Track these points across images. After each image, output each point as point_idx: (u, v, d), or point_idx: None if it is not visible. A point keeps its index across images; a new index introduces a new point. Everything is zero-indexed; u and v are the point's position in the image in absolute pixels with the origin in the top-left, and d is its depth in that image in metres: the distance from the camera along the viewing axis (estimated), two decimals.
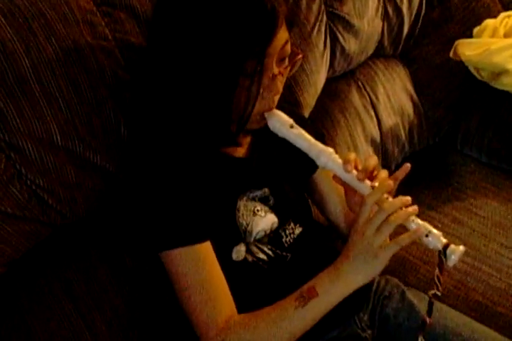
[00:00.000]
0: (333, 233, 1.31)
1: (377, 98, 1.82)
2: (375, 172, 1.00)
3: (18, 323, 1.05)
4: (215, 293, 1.01)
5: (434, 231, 0.96)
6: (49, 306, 1.07)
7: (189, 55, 0.95)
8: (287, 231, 1.14)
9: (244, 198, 1.09)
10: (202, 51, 0.93)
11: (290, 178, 1.21)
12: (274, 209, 1.12)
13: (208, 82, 0.95)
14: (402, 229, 0.96)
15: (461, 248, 0.95)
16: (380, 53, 1.87)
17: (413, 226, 0.96)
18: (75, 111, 1.04)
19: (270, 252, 1.11)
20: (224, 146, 1.11)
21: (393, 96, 1.87)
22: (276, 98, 1.04)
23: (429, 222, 0.97)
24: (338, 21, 1.62)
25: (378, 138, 1.81)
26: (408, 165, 1.02)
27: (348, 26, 1.64)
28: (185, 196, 1.02)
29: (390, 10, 1.79)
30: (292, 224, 1.16)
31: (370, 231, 0.94)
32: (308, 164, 1.09)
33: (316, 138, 1.05)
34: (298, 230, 1.16)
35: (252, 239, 1.09)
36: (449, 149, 2.05)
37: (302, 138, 1.03)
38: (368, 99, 1.80)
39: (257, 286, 1.10)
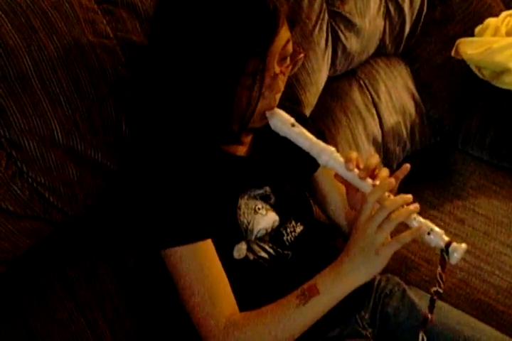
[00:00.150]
0: (334, 231, 1.31)
1: (378, 97, 1.82)
2: (377, 171, 1.00)
3: (19, 322, 1.05)
4: (217, 291, 1.01)
5: (436, 229, 0.96)
6: (50, 304, 1.07)
7: (190, 53, 0.95)
8: (288, 230, 1.14)
9: (246, 196, 1.09)
10: (203, 50, 0.93)
11: (291, 177, 1.21)
12: (275, 208, 1.12)
13: (209, 80, 0.95)
14: (403, 227, 0.96)
15: (464, 246, 0.95)
16: (381, 52, 1.87)
17: (415, 224, 0.96)
18: (76, 109, 1.04)
19: (271, 250, 1.11)
20: (225, 145, 1.11)
21: (395, 95, 1.87)
22: (278, 97, 1.04)
23: (431, 221, 0.97)
24: (339, 20, 1.62)
25: (380, 137, 1.81)
26: (408, 165, 1.02)
27: (350, 25, 1.64)
28: (187, 194, 1.02)
29: (391, 9, 1.79)
30: (293, 223, 1.16)
31: (371, 229, 0.94)
32: (309, 163, 1.09)
33: (318, 136, 1.05)
34: (299, 228, 1.16)
35: (253, 238, 1.09)
36: (451, 148, 2.05)
37: (303, 137, 1.03)
38: (369, 97, 1.80)
39: (258, 284, 1.10)
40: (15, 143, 1.00)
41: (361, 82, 1.79)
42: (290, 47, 1.01)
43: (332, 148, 1.01)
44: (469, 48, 1.85)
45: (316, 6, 1.53)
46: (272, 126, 1.04)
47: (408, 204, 0.96)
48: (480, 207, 1.76)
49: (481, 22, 1.93)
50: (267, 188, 1.13)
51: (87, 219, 1.13)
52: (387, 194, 0.96)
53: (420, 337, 1.02)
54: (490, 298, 1.44)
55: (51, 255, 1.10)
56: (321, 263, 1.03)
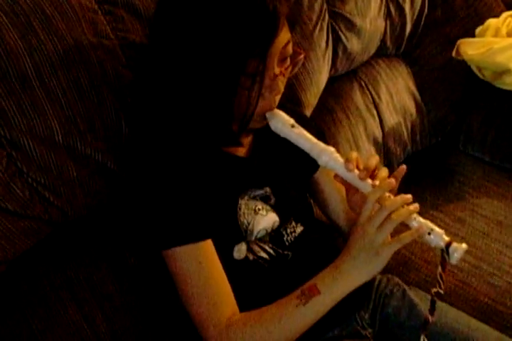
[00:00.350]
0: (334, 232, 1.31)
1: (379, 97, 1.82)
2: (376, 172, 1.00)
3: (20, 321, 1.05)
4: (217, 291, 1.01)
5: (437, 229, 0.96)
6: (50, 304, 1.07)
7: (190, 54, 0.95)
8: (288, 230, 1.14)
9: (246, 197, 1.09)
10: (203, 50, 0.93)
11: (291, 177, 1.21)
12: (275, 208, 1.13)
13: (209, 81, 0.95)
14: (403, 227, 0.96)
15: (464, 246, 0.95)
16: (382, 52, 1.87)
17: (415, 224, 0.96)
18: (76, 109, 1.04)
19: (271, 251, 1.11)
20: (226, 146, 1.11)
21: (395, 96, 1.87)
22: (278, 98, 1.04)
23: (432, 221, 0.97)
24: (340, 20, 1.62)
25: (380, 138, 1.81)
26: (404, 166, 1.03)
27: (350, 25, 1.64)
28: (187, 194, 1.02)
29: (392, 9, 1.79)
30: (293, 223, 1.16)
31: (371, 229, 0.94)
32: (309, 163, 1.09)
33: (318, 137, 1.05)
34: (299, 229, 1.17)
35: (254, 238, 1.09)
36: (452, 148, 2.05)
37: (303, 138, 1.03)
38: (370, 98, 1.80)
39: (258, 285, 1.10)
40: (15, 143, 1.00)
41: (362, 83, 1.79)
42: (290, 48, 1.01)
43: (332, 149, 1.01)
44: (470, 49, 1.85)
45: (317, 6, 1.53)
46: (272, 127, 1.04)
47: (408, 204, 0.96)
48: (480, 207, 1.76)
49: (482, 22, 1.93)
50: (267, 189, 1.13)
51: (87, 219, 1.13)
52: (387, 194, 0.96)
53: (422, 340, 1.02)
54: (489, 298, 1.44)
55: (51, 255, 1.10)
56: (321, 263, 1.03)
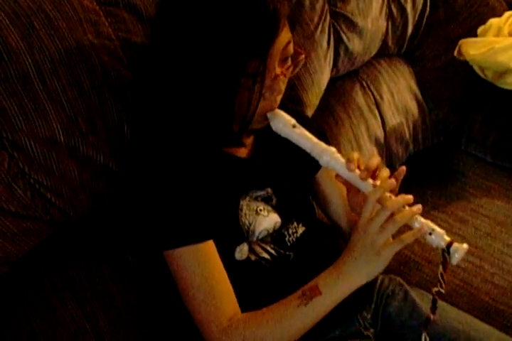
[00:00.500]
0: (336, 232, 1.31)
1: (381, 97, 1.82)
2: (378, 172, 1.00)
3: (21, 322, 1.05)
4: (218, 292, 1.01)
5: (438, 229, 0.96)
6: (52, 305, 1.07)
7: (191, 54, 0.95)
8: (290, 231, 1.14)
9: (247, 198, 1.09)
10: (204, 51, 0.93)
11: (293, 178, 1.21)
12: (276, 209, 1.13)
13: (210, 81, 0.95)
14: (404, 227, 0.96)
15: (465, 246, 0.95)
16: (384, 53, 1.87)
17: (416, 224, 0.96)
18: (78, 110, 1.04)
19: (273, 251, 1.11)
20: (227, 146, 1.11)
21: (397, 96, 1.87)
22: (279, 98, 1.04)
23: (433, 221, 0.98)
24: (341, 21, 1.62)
25: (382, 138, 1.81)
26: (404, 167, 1.03)
27: (352, 26, 1.64)
28: (188, 195, 1.02)
29: (394, 9, 1.79)
30: (295, 224, 1.16)
31: (372, 229, 0.94)
32: (310, 164, 1.09)
33: (319, 137, 1.05)
34: (301, 229, 1.16)
35: (255, 239, 1.09)
36: (453, 148, 2.05)
37: (304, 138, 1.03)
38: (372, 98, 1.80)
39: (259, 285, 1.10)
40: (17, 144, 1.00)
41: (364, 83, 1.79)
42: (291, 49, 1.01)
43: (333, 149, 1.02)
44: (472, 49, 1.85)
45: (318, 6, 1.53)
46: (273, 128, 1.04)
47: (410, 205, 0.96)
48: (482, 207, 1.76)
49: (484, 22, 1.93)
50: (269, 190, 1.13)
51: (88, 219, 1.13)
52: (388, 194, 0.96)
53: (423, 338, 1.02)
54: (491, 298, 1.44)
55: (53, 255, 1.10)
56: (323, 264, 1.03)
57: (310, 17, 1.51)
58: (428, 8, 1.93)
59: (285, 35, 0.97)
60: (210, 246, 1.02)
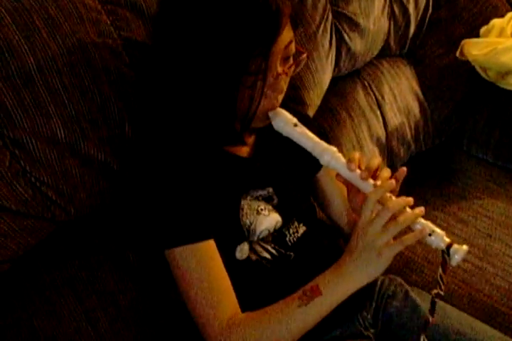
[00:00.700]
0: (337, 232, 1.31)
1: (383, 97, 1.82)
2: (378, 172, 1.00)
3: (22, 320, 1.05)
4: (219, 291, 1.01)
5: (438, 230, 0.96)
6: (52, 303, 1.07)
7: (193, 53, 0.95)
8: (291, 230, 1.14)
9: (248, 197, 1.09)
10: (206, 49, 0.93)
11: (294, 177, 1.21)
12: (277, 209, 1.13)
13: (212, 80, 0.95)
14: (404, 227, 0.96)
15: (465, 247, 0.95)
16: (386, 53, 1.87)
17: (417, 226, 0.96)
18: (79, 108, 1.04)
19: (274, 251, 1.11)
20: (229, 145, 1.11)
21: (399, 96, 1.87)
22: (280, 97, 1.04)
23: (435, 222, 0.97)
24: (343, 20, 1.62)
25: (384, 138, 1.81)
26: (404, 168, 1.03)
27: (354, 25, 1.64)
28: (190, 194, 1.02)
29: (396, 9, 1.79)
30: (296, 223, 1.16)
31: (373, 230, 0.94)
32: (312, 163, 1.09)
33: (320, 137, 1.05)
34: (302, 229, 1.17)
35: (256, 238, 1.09)
36: (455, 149, 2.05)
37: (306, 137, 1.03)
38: (373, 98, 1.80)
39: (260, 285, 1.10)
40: (18, 142, 1.00)
41: (365, 83, 1.79)
42: (293, 48, 1.01)
43: (334, 149, 1.01)
44: (474, 49, 1.84)
45: (320, 6, 1.53)
46: (275, 126, 1.04)
47: (411, 207, 0.95)
48: (484, 208, 1.76)
49: (487, 23, 1.93)
50: (270, 189, 1.13)
51: (89, 218, 1.14)
52: (388, 195, 0.96)
53: (422, 340, 1.02)
54: (492, 300, 1.44)
55: (53, 253, 1.10)
56: (324, 264, 1.03)
57: (312, 17, 1.51)
58: (430, 8, 1.93)
59: (287, 34, 0.97)
60: (210, 245, 1.02)
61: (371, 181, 0.98)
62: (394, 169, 1.02)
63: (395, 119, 1.84)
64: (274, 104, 1.03)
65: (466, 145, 2.04)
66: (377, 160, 1.00)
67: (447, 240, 0.95)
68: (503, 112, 1.97)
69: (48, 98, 1.01)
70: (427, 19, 1.93)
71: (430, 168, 1.96)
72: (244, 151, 1.15)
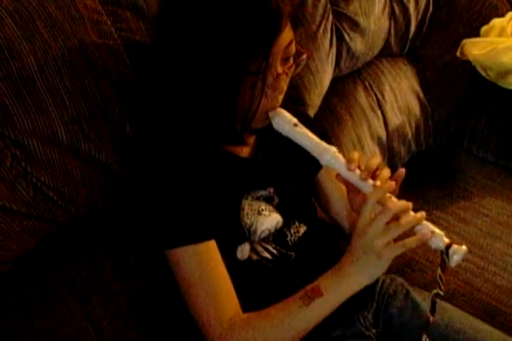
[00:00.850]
0: (337, 232, 1.31)
1: (383, 97, 1.82)
2: (378, 172, 1.00)
3: (23, 320, 1.05)
4: (220, 291, 1.02)
5: (437, 231, 0.95)
6: (54, 303, 1.08)
7: (194, 53, 0.95)
8: (292, 230, 1.14)
9: (249, 197, 1.10)
10: (206, 50, 0.93)
11: (295, 178, 1.21)
12: (278, 209, 1.13)
13: (212, 80, 0.95)
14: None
15: (464, 248, 0.94)
16: (386, 52, 1.86)
17: (418, 227, 0.95)
18: (81, 110, 1.04)
19: (275, 251, 1.11)
20: (229, 145, 1.11)
21: (400, 96, 1.87)
22: (281, 97, 1.04)
23: (435, 221, 0.98)
24: (344, 20, 1.62)
25: (384, 138, 1.81)
26: (403, 169, 1.02)
27: (354, 25, 1.64)
28: (191, 195, 1.02)
29: (396, 9, 1.79)
30: (297, 223, 1.16)
31: (373, 231, 0.93)
32: (312, 163, 1.09)
33: (321, 137, 1.05)
34: (302, 229, 1.17)
35: (257, 238, 1.09)
36: (456, 148, 2.05)
37: (306, 137, 1.03)
38: (374, 98, 1.80)
39: (261, 285, 1.10)
40: (19, 143, 1.00)
41: (366, 83, 1.79)
42: (293, 48, 1.01)
43: (334, 149, 1.01)
44: (475, 49, 1.84)
45: (320, 6, 1.53)
46: (275, 126, 1.04)
47: (413, 209, 0.95)
48: (484, 207, 1.76)
49: (487, 22, 1.92)
50: (271, 189, 1.13)
51: (90, 218, 1.14)
52: (388, 195, 0.96)
53: (423, 340, 1.02)
54: (493, 299, 1.44)
55: (54, 254, 1.10)
56: (325, 263, 1.03)
57: (312, 17, 1.51)
58: (431, 8, 1.92)
59: (287, 35, 0.97)
60: (211, 245, 1.02)
61: (370, 181, 0.98)
62: (394, 168, 1.01)
63: (395, 119, 1.84)
64: (275, 104, 1.03)
65: (466, 144, 2.04)
66: (376, 160, 1.00)
67: (446, 240, 0.95)
68: (503, 112, 1.97)
69: (49, 99, 1.02)
70: (428, 19, 1.93)
71: (431, 168, 1.96)
72: (244, 151, 1.15)
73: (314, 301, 0.98)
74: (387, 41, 1.81)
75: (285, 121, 1.03)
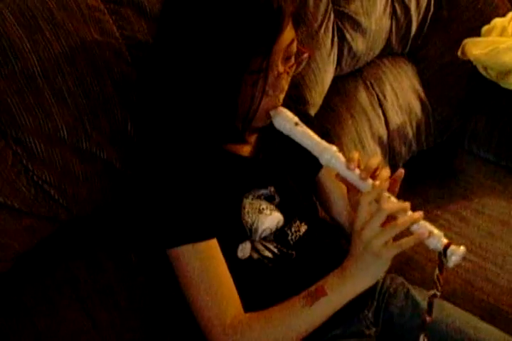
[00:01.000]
0: (338, 231, 1.31)
1: (384, 97, 1.82)
2: (378, 172, 1.00)
3: (24, 320, 1.05)
4: (222, 290, 1.02)
5: (435, 231, 0.95)
6: (55, 303, 1.08)
7: (195, 52, 0.95)
8: (293, 229, 1.15)
9: (250, 196, 1.10)
10: (208, 48, 0.94)
11: (296, 177, 1.21)
12: (279, 208, 1.13)
13: (213, 79, 0.95)
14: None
15: (462, 249, 0.94)
16: (387, 52, 1.86)
17: (415, 226, 0.95)
18: (82, 108, 1.05)
19: (275, 250, 1.11)
20: (230, 143, 1.11)
21: (401, 95, 1.87)
22: (282, 96, 1.04)
23: (436, 221, 0.97)
24: (345, 20, 1.62)
25: (385, 137, 1.81)
26: (402, 170, 1.02)
27: (356, 25, 1.64)
28: (192, 193, 1.02)
29: (397, 8, 1.79)
30: (298, 222, 1.16)
31: (369, 231, 0.93)
32: (313, 162, 1.09)
33: (322, 136, 1.05)
34: (303, 228, 1.17)
35: (258, 237, 1.09)
36: (457, 148, 2.05)
37: (306, 136, 1.03)
38: (375, 97, 1.80)
39: (262, 284, 1.10)
40: (20, 141, 1.00)
41: (367, 82, 1.79)
42: (294, 47, 1.01)
43: (334, 148, 1.01)
44: (475, 48, 1.84)
45: (322, 5, 1.53)
46: (276, 125, 1.04)
47: (411, 208, 0.95)
48: (485, 207, 1.76)
49: (488, 22, 1.92)
50: (272, 188, 1.13)
51: (92, 217, 1.14)
52: (387, 195, 0.96)
53: (421, 340, 1.02)
54: (494, 298, 1.44)
55: (55, 253, 1.10)
56: (326, 262, 1.04)
57: (314, 16, 1.51)
58: (432, 8, 1.92)
59: (289, 34, 0.97)
60: (213, 244, 1.02)
61: (370, 181, 0.98)
62: (395, 168, 1.01)
63: (396, 118, 1.84)
64: (276, 103, 1.03)
65: (467, 144, 2.04)
66: (376, 159, 1.00)
67: (445, 241, 0.94)
68: (504, 111, 1.97)
69: (51, 97, 1.02)
70: (429, 18, 1.92)
71: (431, 167, 1.96)
72: (246, 150, 1.15)
73: (317, 301, 0.98)
74: (388, 41, 1.81)
75: (286, 120, 1.03)
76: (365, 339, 1.21)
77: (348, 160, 0.99)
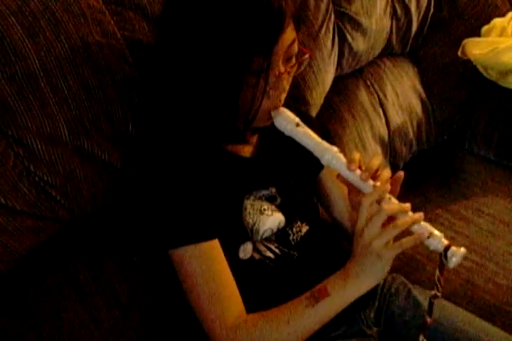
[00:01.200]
0: (340, 231, 1.31)
1: (385, 96, 1.82)
2: (379, 173, 1.00)
3: (26, 320, 1.05)
4: (224, 291, 1.02)
5: (436, 232, 0.96)
6: (56, 303, 1.07)
7: (196, 53, 0.95)
8: (294, 230, 1.15)
9: (251, 197, 1.10)
10: (209, 48, 0.94)
11: (297, 177, 1.21)
12: (281, 208, 1.13)
13: (214, 79, 0.95)
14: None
15: (462, 250, 0.94)
16: (388, 52, 1.87)
17: (416, 227, 0.96)
18: (83, 109, 1.05)
19: (277, 250, 1.11)
20: (231, 144, 1.11)
21: (401, 95, 1.88)
22: (283, 97, 1.04)
23: (437, 220, 0.97)
24: (346, 20, 1.62)
25: (386, 137, 1.81)
26: (402, 173, 1.02)
27: (356, 25, 1.64)
28: (193, 194, 1.02)
29: (398, 9, 1.79)
30: (299, 223, 1.16)
31: (370, 232, 0.94)
32: (314, 163, 1.09)
33: (323, 137, 1.05)
34: (305, 228, 1.17)
35: (259, 238, 1.09)
36: (457, 148, 2.05)
37: (307, 137, 1.03)
38: (376, 97, 1.80)
39: (263, 284, 1.10)
40: (22, 142, 1.00)
41: (368, 82, 1.80)
42: (295, 47, 1.01)
43: (335, 149, 1.01)
44: (476, 48, 1.84)
45: (323, 6, 1.54)
46: (277, 126, 1.04)
47: (411, 209, 0.96)
48: (486, 206, 1.76)
49: (488, 22, 1.93)
50: (273, 189, 1.13)
51: (93, 217, 1.14)
52: (388, 196, 0.96)
53: (420, 340, 1.03)
54: (494, 298, 1.44)
55: (57, 253, 1.10)
56: (327, 262, 1.04)
57: (315, 16, 1.51)
58: (432, 8, 1.93)
59: (290, 34, 0.97)
60: (214, 245, 1.02)
61: (371, 182, 0.98)
62: (396, 168, 1.02)
63: (397, 118, 1.84)
64: (277, 104, 1.03)
65: (468, 143, 2.04)
66: (377, 160, 1.00)
67: (445, 242, 0.95)
68: (504, 111, 1.97)
69: (52, 98, 1.02)
70: (429, 18, 1.93)
71: (432, 167, 1.96)
72: (247, 151, 1.15)
73: (321, 301, 0.98)
74: (388, 41, 1.81)
75: (287, 121, 1.03)
76: (366, 339, 1.21)
77: (349, 161, 0.99)
